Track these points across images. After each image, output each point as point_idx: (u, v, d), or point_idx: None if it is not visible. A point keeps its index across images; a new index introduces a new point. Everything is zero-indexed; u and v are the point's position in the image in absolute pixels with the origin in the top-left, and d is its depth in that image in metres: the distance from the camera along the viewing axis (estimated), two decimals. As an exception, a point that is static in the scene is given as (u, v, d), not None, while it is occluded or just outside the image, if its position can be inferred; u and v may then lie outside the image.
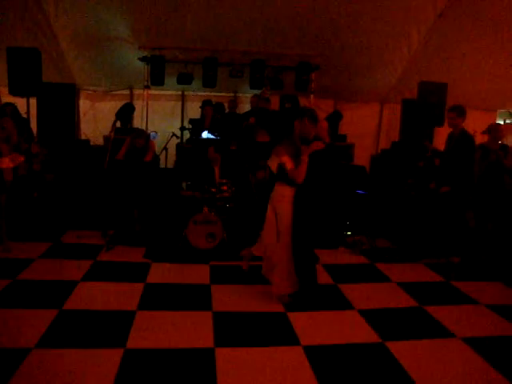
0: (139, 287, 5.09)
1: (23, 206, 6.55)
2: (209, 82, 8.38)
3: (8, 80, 6.75)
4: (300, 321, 4.43)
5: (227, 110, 9.26)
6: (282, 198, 4.76)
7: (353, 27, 7.78)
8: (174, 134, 8.23)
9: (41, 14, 7.24)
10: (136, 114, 9.17)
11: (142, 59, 8.31)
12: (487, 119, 9.58)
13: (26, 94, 6.90)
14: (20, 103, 7.31)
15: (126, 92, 9.86)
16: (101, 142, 8.53)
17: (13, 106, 7.26)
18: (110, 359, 3.59)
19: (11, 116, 6.69)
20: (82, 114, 9.53)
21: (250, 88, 8.70)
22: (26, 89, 6.81)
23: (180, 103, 10.14)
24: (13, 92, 6.86)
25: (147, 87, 8.58)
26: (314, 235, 5.00)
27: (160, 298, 4.87)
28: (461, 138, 6.17)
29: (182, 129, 8.99)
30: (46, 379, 3.31)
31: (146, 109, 8.66)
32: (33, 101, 7.55)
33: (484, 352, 3.93)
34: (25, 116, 7.29)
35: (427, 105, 7.54)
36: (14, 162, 5.65)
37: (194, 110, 9.63)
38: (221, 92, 9.58)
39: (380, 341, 4.11)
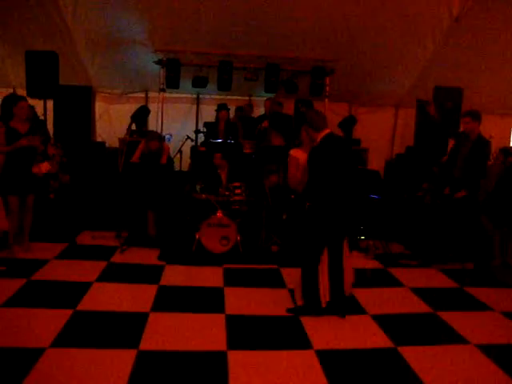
0: (153, 289, 5.13)
1: (40, 207, 6.62)
2: (224, 86, 8.40)
3: (26, 82, 6.84)
4: (312, 325, 4.42)
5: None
6: None
7: (368, 32, 7.77)
8: (188, 137, 8.27)
9: (59, 17, 7.33)
10: (151, 116, 9.24)
11: (158, 62, 8.36)
12: (504, 124, 9.52)
13: (44, 96, 6.99)
14: (37, 105, 7.40)
15: (142, 95, 9.92)
16: (116, 144, 8.59)
17: (32, 107, 7.34)
18: (123, 360, 3.62)
19: (32, 119, 6.77)
20: (97, 116, 9.60)
21: (265, 92, 8.72)
22: (43, 91, 6.90)
23: (195, 106, 10.17)
24: (30, 94, 6.95)
25: (162, 90, 8.62)
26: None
27: (173, 300, 4.90)
28: (477, 144, 6.11)
29: (197, 132, 9.02)
30: (60, 378, 3.34)
31: (161, 112, 8.70)
32: (50, 103, 7.64)
33: (498, 359, 3.89)
34: (42, 118, 7.37)
35: (442, 110, 7.51)
36: (46, 168, 5.86)
37: (209, 114, 9.65)
38: (236, 95, 9.61)
39: (393, 346, 4.09)
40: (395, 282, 5.78)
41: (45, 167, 5.92)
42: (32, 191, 6.00)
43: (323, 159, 4.50)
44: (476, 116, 6.13)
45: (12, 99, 5.88)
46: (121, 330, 4.18)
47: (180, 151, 8.08)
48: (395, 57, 8.37)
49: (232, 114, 9.04)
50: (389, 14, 7.38)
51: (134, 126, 8.28)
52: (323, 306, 4.63)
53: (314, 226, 4.60)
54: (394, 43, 8.02)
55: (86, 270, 5.54)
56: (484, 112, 6.45)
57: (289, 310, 4.71)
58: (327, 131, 4.58)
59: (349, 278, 4.90)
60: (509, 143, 8.57)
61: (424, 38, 7.87)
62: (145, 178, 6.48)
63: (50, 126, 7.73)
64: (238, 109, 9.24)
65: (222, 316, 4.55)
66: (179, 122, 9.90)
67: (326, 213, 4.53)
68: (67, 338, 3.93)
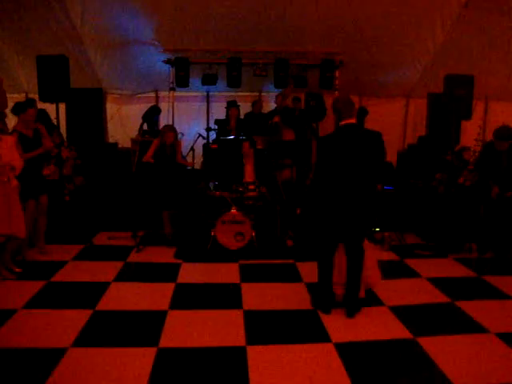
0: (170, 287, 5.17)
1: (55, 210, 6.69)
2: (233, 82, 8.41)
3: (38, 87, 6.91)
4: (330, 318, 4.44)
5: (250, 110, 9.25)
6: None
7: (376, 22, 7.71)
8: (200, 135, 8.29)
9: (67, 21, 7.39)
10: (162, 115, 9.26)
11: (167, 62, 8.40)
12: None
13: (56, 100, 7.04)
14: (50, 109, 7.47)
15: (152, 94, 9.95)
16: (128, 144, 8.63)
17: (43, 111, 7.41)
18: (143, 358, 3.66)
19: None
20: (108, 118, 9.65)
21: (275, 87, 8.71)
22: (55, 95, 6.95)
23: (205, 104, 10.20)
24: (43, 98, 7.02)
25: (172, 89, 8.66)
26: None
27: (191, 298, 4.94)
28: None
29: (208, 129, 9.05)
30: (83, 377, 3.39)
31: (171, 110, 8.75)
32: (62, 106, 7.71)
33: (519, 347, 3.87)
34: (54, 121, 7.44)
35: (454, 98, 7.43)
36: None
37: (220, 111, 9.67)
38: (245, 92, 9.61)
39: (411, 337, 4.09)
40: (412, 273, 5.77)
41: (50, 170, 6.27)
42: (45, 191, 6.06)
43: (327, 149, 4.46)
44: (504, 137, 6.03)
45: (22, 105, 5.90)
46: (140, 328, 4.22)
47: (192, 149, 8.12)
48: (404, 46, 8.31)
49: (241, 109, 9.03)
50: (397, 3, 7.32)
51: (145, 126, 8.33)
52: (338, 299, 4.61)
53: (321, 218, 4.59)
54: (402, 32, 7.96)
55: (103, 271, 5.60)
56: (497, 98, 6.39)
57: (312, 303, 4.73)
58: (348, 122, 4.48)
59: (369, 273, 4.73)
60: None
61: (433, 26, 7.79)
62: (159, 177, 6.52)
63: (63, 129, 7.80)
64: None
65: (240, 312, 4.58)
66: (190, 120, 9.91)
67: (328, 204, 4.46)
68: (88, 338, 3.99)
